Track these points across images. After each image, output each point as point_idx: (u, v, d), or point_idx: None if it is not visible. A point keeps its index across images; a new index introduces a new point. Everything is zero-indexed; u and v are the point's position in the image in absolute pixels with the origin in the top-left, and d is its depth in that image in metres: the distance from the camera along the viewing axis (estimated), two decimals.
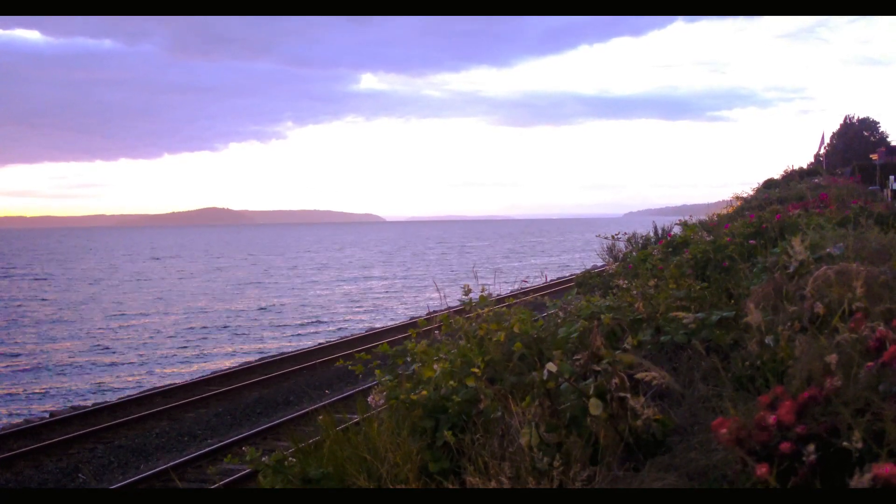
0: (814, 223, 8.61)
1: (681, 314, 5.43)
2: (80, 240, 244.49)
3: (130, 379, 27.52)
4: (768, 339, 4.35)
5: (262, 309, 49.15)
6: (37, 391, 25.89)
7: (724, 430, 3.15)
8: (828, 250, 5.44)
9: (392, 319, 40.48)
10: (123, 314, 47.21)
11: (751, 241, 9.22)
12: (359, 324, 40.54)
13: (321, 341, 31.84)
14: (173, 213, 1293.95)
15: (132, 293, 61.44)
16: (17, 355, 32.89)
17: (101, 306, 51.85)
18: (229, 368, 25.24)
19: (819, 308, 3.86)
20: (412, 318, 35.36)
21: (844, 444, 2.83)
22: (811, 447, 2.84)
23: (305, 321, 43.03)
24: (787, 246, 5.52)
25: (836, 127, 79.85)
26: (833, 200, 13.20)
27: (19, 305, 53.24)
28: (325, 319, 43.75)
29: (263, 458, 4.97)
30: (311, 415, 16.21)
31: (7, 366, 30.48)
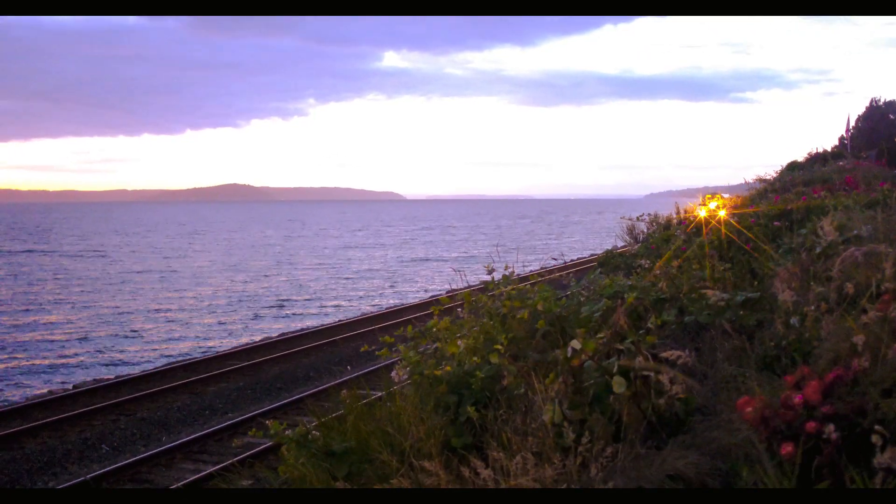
0: (841, 205, 8.56)
1: (709, 292, 5.42)
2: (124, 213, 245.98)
3: (153, 351, 27.79)
4: (794, 320, 4.34)
5: (289, 283, 49.44)
6: (60, 362, 26.19)
7: (749, 409, 3.15)
8: (855, 232, 5.41)
9: (415, 296, 40.58)
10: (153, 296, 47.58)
11: (776, 223, 9.18)
12: (381, 301, 40.69)
13: (342, 318, 31.98)
14: (195, 188, 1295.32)
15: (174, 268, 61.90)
16: (48, 326, 33.26)
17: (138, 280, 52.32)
18: (250, 343, 25.42)
19: (849, 288, 3.84)
20: (433, 296, 35.44)
21: (873, 437, 2.81)
22: (831, 426, 2.83)
23: (328, 297, 43.20)
24: (817, 227, 5.50)
25: (861, 110, 78.93)
26: (860, 183, 13.09)
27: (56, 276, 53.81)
28: (348, 296, 43.91)
29: (287, 432, 5.02)
30: (332, 390, 16.29)
31: (36, 337, 30.82)
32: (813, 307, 4.26)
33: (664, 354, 4.30)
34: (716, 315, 5.32)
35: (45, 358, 27.04)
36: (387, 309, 32.70)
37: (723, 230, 8.84)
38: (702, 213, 10.22)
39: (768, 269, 6.68)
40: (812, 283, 4.75)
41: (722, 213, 9.78)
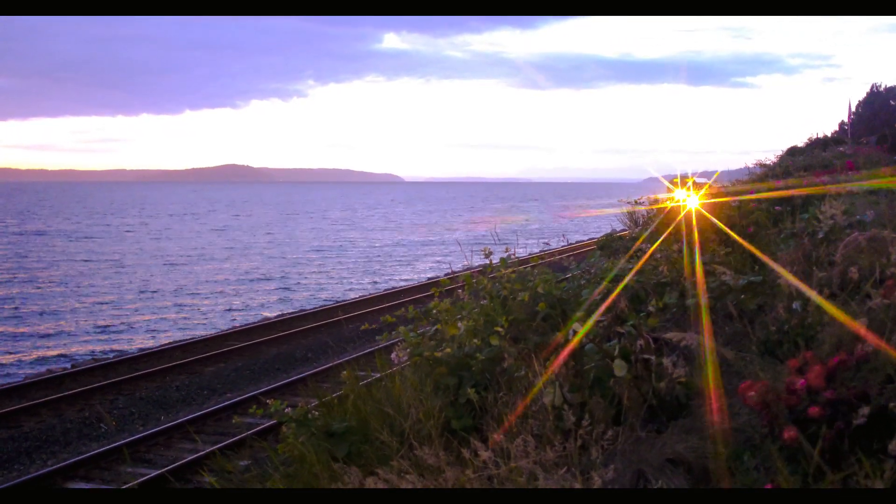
0: (844, 190, 8.55)
1: (718, 267, 5.42)
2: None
3: (151, 331, 27.84)
4: (796, 304, 4.33)
5: (287, 265, 49.48)
6: (59, 342, 26.24)
7: (752, 393, 3.14)
8: (858, 217, 5.40)
9: (414, 278, 40.58)
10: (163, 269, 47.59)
11: (776, 208, 9.15)
12: (380, 282, 40.71)
13: (342, 299, 32.00)
14: (194, 169, 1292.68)
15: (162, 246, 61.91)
16: (46, 305, 33.29)
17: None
18: (248, 324, 25.44)
19: (852, 273, 3.83)
20: (431, 279, 35.46)
21: (892, 405, 2.79)
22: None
23: (327, 278, 43.23)
24: (818, 211, 5.48)
25: (862, 95, 78.69)
26: (861, 168, 13.07)
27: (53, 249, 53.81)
28: (348, 277, 43.95)
29: (287, 410, 5.02)
30: (331, 371, 16.33)
31: (34, 317, 30.85)
32: (815, 292, 4.25)
33: (667, 336, 4.30)
34: (718, 299, 5.31)
35: (43, 338, 27.07)
36: (386, 290, 32.71)
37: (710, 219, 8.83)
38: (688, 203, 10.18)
39: (770, 253, 6.67)
40: (814, 268, 4.74)
41: (696, 204, 9.76)
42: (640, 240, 8.57)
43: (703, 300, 5.36)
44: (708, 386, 4.09)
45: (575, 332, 4.47)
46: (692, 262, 6.50)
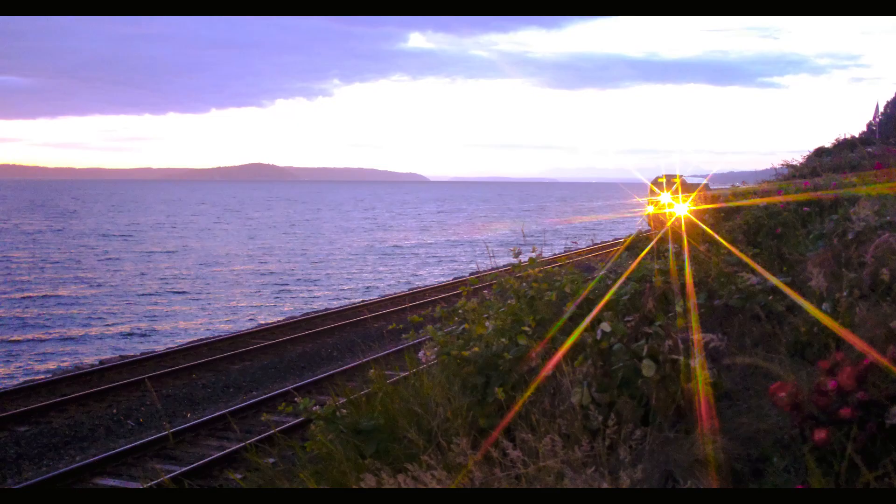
0: (874, 192, 8.46)
1: (745, 275, 5.40)
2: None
3: (178, 329, 28.04)
4: (825, 306, 4.31)
5: (312, 264, 49.71)
6: (87, 339, 26.52)
7: (782, 394, 3.13)
8: (888, 217, 5.35)
9: (439, 278, 40.60)
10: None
11: (805, 209, 9.10)
12: (406, 281, 40.77)
13: (367, 298, 32.08)
14: (220, 167, 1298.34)
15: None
16: (74, 303, 33.64)
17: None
18: (274, 322, 25.56)
19: (884, 274, 3.81)
20: (457, 278, 35.48)
21: None
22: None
23: (352, 278, 43.35)
24: (850, 212, 5.44)
25: (890, 96, 77.85)
26: (891, 167, 12.94)
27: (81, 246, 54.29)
28: (373, 276, 44.06)
29: (315, 408, 5.05)
30: (356, 370, 16.37)
31: (62, 314, 31.18)
32: (845, 293, 4.22)
33: (696, 338, 4.28)
34: (746, 300, 5.29)
35: (71, 335, 27.36)
36: (411, 290, 32.75)
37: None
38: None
39: (798, 254, 6.63)
40: (844, 269, 4.71)
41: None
42: (633, 241, 8.55)
43: (691, 303, 5.37)
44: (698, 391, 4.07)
45: (603, 332, 4.47)
46: (678, 265, 6.49)
